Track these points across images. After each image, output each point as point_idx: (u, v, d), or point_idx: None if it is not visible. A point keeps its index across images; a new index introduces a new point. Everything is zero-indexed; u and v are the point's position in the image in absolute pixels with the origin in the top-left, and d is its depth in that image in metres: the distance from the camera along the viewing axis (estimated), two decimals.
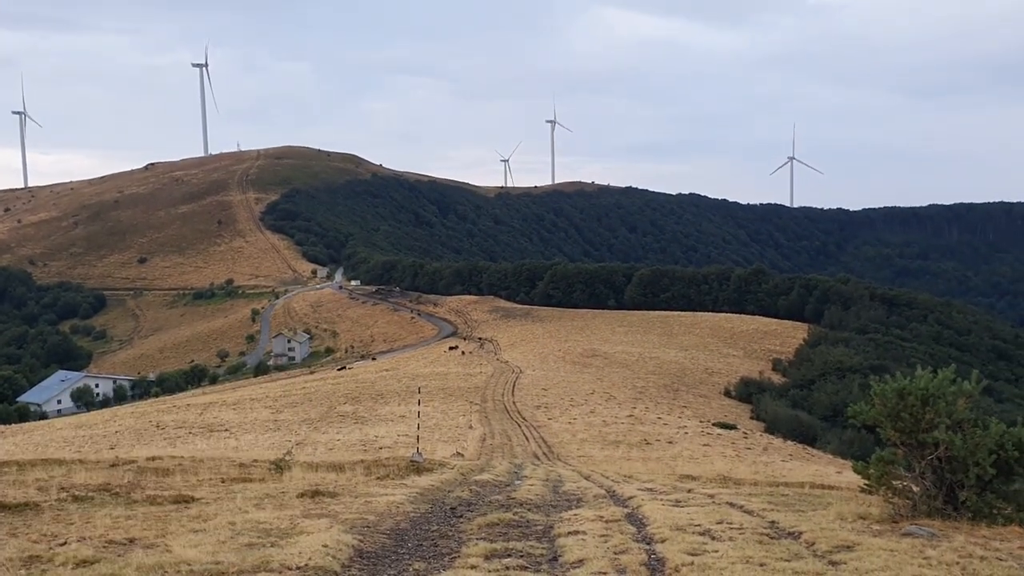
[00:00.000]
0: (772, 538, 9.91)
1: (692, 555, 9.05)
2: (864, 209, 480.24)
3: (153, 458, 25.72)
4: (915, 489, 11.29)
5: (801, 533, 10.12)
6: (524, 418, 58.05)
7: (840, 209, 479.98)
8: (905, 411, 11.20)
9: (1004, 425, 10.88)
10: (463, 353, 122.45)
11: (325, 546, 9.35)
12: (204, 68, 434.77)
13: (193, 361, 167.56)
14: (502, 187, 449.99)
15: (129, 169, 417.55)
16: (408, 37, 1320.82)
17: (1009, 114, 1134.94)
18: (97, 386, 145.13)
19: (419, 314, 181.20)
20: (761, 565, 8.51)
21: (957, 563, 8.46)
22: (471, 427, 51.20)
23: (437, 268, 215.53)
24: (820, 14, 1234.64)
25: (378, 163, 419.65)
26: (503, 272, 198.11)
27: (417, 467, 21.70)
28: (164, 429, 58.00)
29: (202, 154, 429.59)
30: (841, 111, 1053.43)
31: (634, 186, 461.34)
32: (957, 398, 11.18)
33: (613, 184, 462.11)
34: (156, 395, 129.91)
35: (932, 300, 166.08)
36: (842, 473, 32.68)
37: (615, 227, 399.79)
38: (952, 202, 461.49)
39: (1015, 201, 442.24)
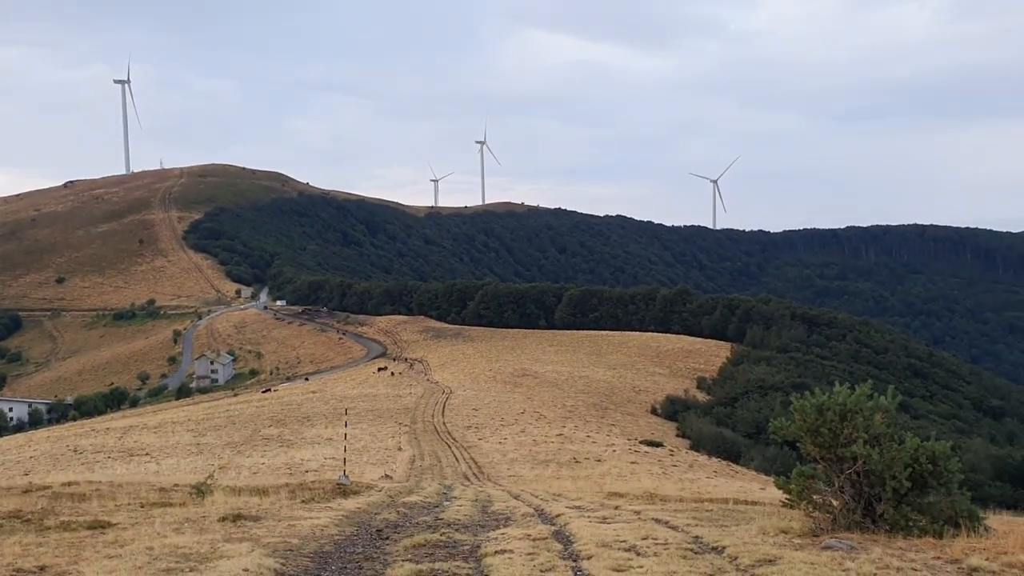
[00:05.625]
0: (696, 553, 10.04)
1: (617, 571, 9.12)
2: (784, 231, 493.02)
3: (69, 483, 24.88)
4: (835, 503, 11.53)
5: (724, 548, 10.26)
6: (454, 439, 57.77)
7: (761, 231, 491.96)
8: (824, 426, 11.45)
9: (919, 440, 11.20)
10: (392, 374, 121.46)
11: (246, 570, 9.15)
12: (126, 84, 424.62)
13: (113, 384, 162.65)
14: (432, 207, 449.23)
15: (47, 187, 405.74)
16: (332, 55, 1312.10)
17: (921, 139, 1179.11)
18: (11, 410, 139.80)
19: (347, 334, 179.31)
20: None
21: (875, 574, 8.69)
22: (400, 449, 50.75)
23: (366, 288, 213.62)
24: (742, 40, 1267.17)
25: (305, 181, 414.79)
26: (434, 292, 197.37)
27: (344, 490, 21.41)
28: (82, 454, 56.07)
29: (123, 172, 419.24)
30: (761, 134, 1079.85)
31: (564, 207, 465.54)
32: (874, 413, 11.47)
33: (543, 205, 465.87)
34: (74, 419, 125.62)
35: (851, 319, 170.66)
36: (766, 489, 33.29)
37: (545, 248, 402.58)
38: (869, 224, 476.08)
39: (928, 224, 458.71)
